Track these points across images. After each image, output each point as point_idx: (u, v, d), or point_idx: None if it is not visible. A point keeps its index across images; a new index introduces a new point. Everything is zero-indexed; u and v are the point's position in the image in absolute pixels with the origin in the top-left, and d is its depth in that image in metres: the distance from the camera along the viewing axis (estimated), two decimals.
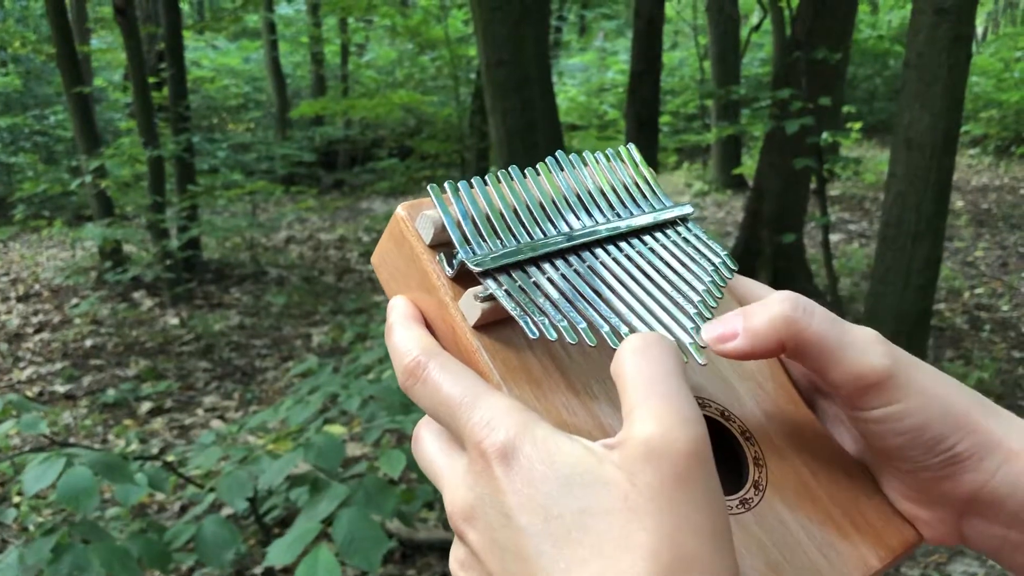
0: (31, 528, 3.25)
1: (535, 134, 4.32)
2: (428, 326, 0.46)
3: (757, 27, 10.00)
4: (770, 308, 0.43)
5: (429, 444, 0.43)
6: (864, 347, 0.42)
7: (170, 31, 7.15)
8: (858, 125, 9.53)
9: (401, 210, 0.47)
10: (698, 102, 12.33)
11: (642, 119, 5.90)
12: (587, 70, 14.89)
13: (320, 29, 13.15)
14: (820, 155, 4.56)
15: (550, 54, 4.83)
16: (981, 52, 14.08)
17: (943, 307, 5.30)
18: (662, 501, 0.33)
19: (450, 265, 0.45)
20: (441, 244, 0.45)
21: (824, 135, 4.55)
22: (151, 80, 7.20)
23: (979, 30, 17.35)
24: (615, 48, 15.60)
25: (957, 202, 8.41)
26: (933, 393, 0.43)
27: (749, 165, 9.20)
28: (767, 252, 5.30)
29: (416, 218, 0.46)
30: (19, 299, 7.05)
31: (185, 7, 14.70)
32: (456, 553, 0.39)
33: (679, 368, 0.38)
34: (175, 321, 6.19)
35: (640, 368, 0.37)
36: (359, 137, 12.41)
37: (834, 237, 7.20)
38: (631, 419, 0.36)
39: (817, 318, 0.43)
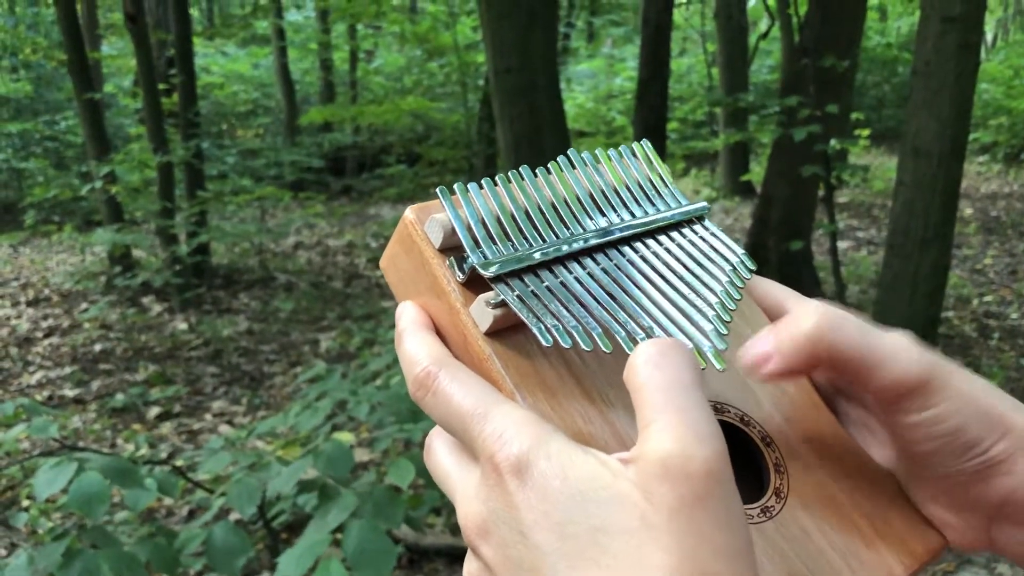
0: (40, 532, 3.26)
1: (543, 140, 4.33)
2: (439, 332, 0.44)
3: (765, 34, 10.00)
4: (798, 326, 0.42)
5: (442, 455, 0.42)
6: (899, 354, 0.41)
7: (180, 37, 7.19)
8: (866, 132, 9.51)
9: (410, 213, 0.45)
10: (706, 109, 12.34)
11: (650, 125, 5.91)
12: (595, 76, 14.89)
13: (329, 36, 13.20)
14: (828, 162, 4.55)
15: (558, 60, 4.84)
16: (990, 59, 14.04)
17: (951, 315, 5.29)
18: (680, 520, 0.32)
19: (460, 270, 0.43)
20: (451, 248, 0.44)
21: (832, 142, 4.55)
22: (161, 86, 7.24)
23: (988, 37, 17.30)
24: (623, 55, 15.60)
25: (966, 209, 8.39)
26: (970, 395, 0.41)
27: (757, 172, 9.20)
28: (775, 259, 5.30)
29: (425, 221, 0.44)
30: (29, 304, 7.08)
31: (195, 14, 14.78)
32: (470, 567, 0.39)
33: (696, 379, 0.36)
34: (184, 326, 6.21)
35: (655, 379, 0.36)
36: (367, 143, 12.44)
37: (842, 244, 7.19)
38: (646, 434, 0.35)
39: (847, 331, 0.41)
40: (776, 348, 0.42)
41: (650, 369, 0.36)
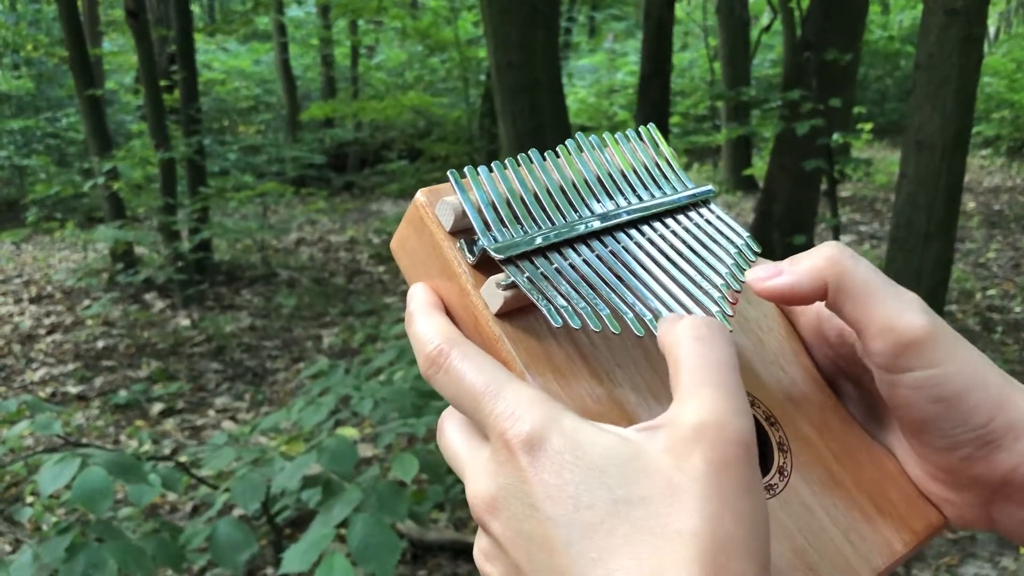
0: (45, 528, 3.27)
1: (545, 136, 4.32)
2: (449, 314, 0.45)
3: (767, 28, 9.97)
4: (816, 250, 0.44)
5: (452, 434, 0.42)
6: (908, 302, 0.42)
7: (181, 34, 7.18)
8: (869, 126, 9.48)
9: (420, 195, 0.45)
10: (708, 103, 12.31)
11: (652, 120, 5.89)
12: (597, 71, 14.87)
13: (330, 31, 13.18)
14: (831, 156, 4.55)
15: (560, 55, 4.83)
16: (993, 52, 14.01)
17: (955, 308, 5.28)
18: (707, 484, 0.33)
19: (471, 252, 0.44)
20: (462, 231, 0.44)
21: (835, 136, 4.54)
22: (162, 83, 7.24)
23: (991, 30, 17.25)
24: (625, 49, 15.57)
25: (969, 203, 8.37)
26: (973, 363, 0.42)
27: (759, 166, 9.18)
28: (777, 253, 5.28)
29: (436, 204, 0.45)
30: (32, 301, 7.09)
31: (196, 10, 14.77)
32: (480, 544, 0.39)
33: (735, 361, 0.38)
34: (186, 323, 6.22)
35: (701, 354, 0.37)
36: (369, 139, 12.43)
37: (845, 238, 7.18)
38: (684, 403, 0.36)
39: (862, 264, 0.43)
40: (790, 269, 0.44)
41: (698, 345, 0.38)
